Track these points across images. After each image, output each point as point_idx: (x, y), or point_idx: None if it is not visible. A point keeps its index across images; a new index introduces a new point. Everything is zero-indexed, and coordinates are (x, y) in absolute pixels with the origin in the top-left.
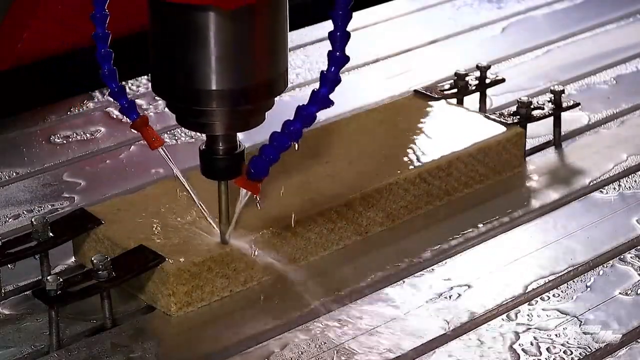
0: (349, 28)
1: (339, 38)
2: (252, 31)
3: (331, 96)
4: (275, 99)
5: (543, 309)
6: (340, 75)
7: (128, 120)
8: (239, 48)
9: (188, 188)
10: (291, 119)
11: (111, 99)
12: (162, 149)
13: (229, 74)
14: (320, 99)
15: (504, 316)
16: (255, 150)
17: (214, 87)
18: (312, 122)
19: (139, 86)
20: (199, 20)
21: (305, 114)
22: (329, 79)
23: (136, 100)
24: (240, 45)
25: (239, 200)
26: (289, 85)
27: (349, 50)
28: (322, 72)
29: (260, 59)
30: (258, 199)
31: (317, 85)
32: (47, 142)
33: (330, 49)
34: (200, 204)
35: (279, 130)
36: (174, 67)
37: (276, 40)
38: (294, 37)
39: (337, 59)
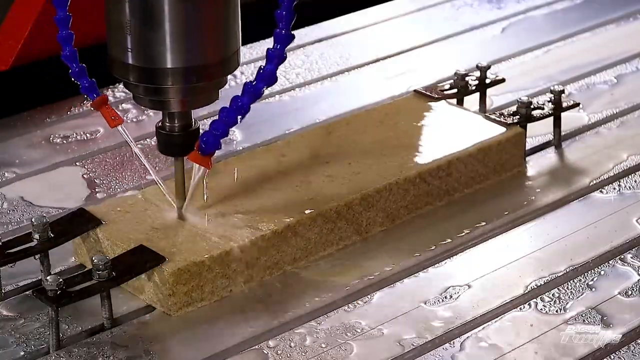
0: (349, 27)
1: (285, 17)
2: (204, 11)
3: (332, 95)
4: (276, 97)
5: (543, 309)
6: (340, 75)
7: (88, 99)
8: (192, 28)
9: (147, 166)
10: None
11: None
12: (121, 127)
13: (183, 52)
14: (267, 76)
15: (504, 316)
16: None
17: (168, 65)
18: (258, 97)
19: None
20: (153, 0)
21: (252, 90)
22: (275, 56)
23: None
24: (193, 25)
25: (192, 174)
26: (289, 85)
27: (349, 50)
28: (268, 49)
29: (213, 38)
30: (206, 178)
31: (317, 85)
32: (47, 142)
33: (277, 28)
34: (158, 180)
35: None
36: (130, 47)
37: (229, 20)
38: None
39: (283, 37)
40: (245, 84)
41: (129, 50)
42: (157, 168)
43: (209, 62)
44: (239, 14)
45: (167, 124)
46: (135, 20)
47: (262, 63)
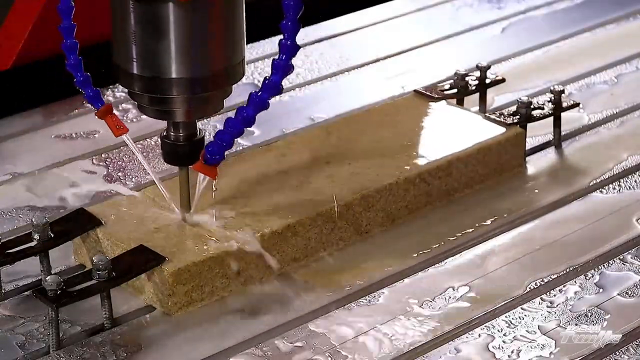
0: (349, 27)
1: (290, 27)
2: (209, 21)
3: (332, 95)
4: (276, 97)
5: (543, 309)
6: (340, 75)
7: (93, 108)
8: (197, 38)
9: (152, 175)
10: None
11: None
12: (126, 136)
13: (188, 62)
14: (272, 86)
15: (504, 316)
16: None
17: (173, 76)
18: (264, 108)
19: None
20: (158, 11)
21: (257, 100)
22: (281, 67)
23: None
24: (198, 35)
25: (197, 184)
26: (289, 85)
27: (349, 50)
28: (273, 59)
29: (218, 48)
30: (215, 185)
31: (317, 85)
32: (47, 143)
33: (282, 38)
34: (162, 189)
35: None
36: (135, 57)
37: (233, 30)
38: None
39: (288, 48)
40: (251, 95)
41: (134, 60)
42: (157, 169)
43: (214, 72)
44: (244, 24)
45: (172, 134)
46: (140, 30)
47: (263, 62)
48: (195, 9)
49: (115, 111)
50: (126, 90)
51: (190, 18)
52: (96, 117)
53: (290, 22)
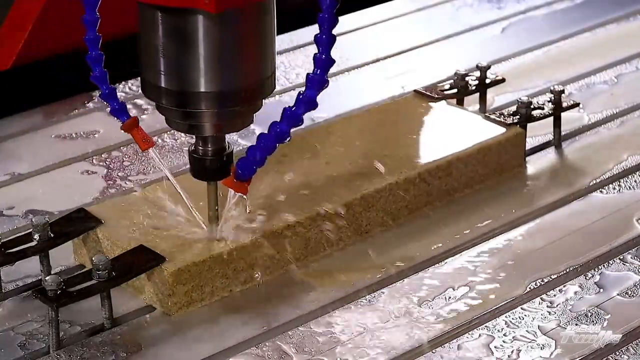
0: (349, 27)
1: (325, 41)
2: (240, 34)
3: (332, 95)
4: (276, 97)
5: (543, 309)
6: (340, 75)
7: (119, 121)
8: (227, 51)
9: (177, 188)
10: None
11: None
12: (152, 150)
13: (217, 76)
14: (306, 101)
15: (504, 316)
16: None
17: (202, 89)
18: (298, 123)
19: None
20: (187, 23)
21: (291, 115)
22: (315, 81)
23: (136, 100)
24: (228, 48)
25: (227, 200)
26: (289, 85)
27: (349, 50)
28: (308, 74)
29: (248, 61)
30: (248, 203)
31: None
32: (47, 143)
33: (316, 51)
34: (189, 204)
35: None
36: (163, 70)
37: (264, 43)
38: (294, 37)
39: (323, 62)
40: (285, 110)
41: (162, 73)
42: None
43: (244, 86)
44: (274, 37)
45: (200, 148)
46: (168, 43)
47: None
48: (224, 21)
49: None
50: (126, 90)
51: (219, 30)
52: (122, 130)
53: (325, 35)
